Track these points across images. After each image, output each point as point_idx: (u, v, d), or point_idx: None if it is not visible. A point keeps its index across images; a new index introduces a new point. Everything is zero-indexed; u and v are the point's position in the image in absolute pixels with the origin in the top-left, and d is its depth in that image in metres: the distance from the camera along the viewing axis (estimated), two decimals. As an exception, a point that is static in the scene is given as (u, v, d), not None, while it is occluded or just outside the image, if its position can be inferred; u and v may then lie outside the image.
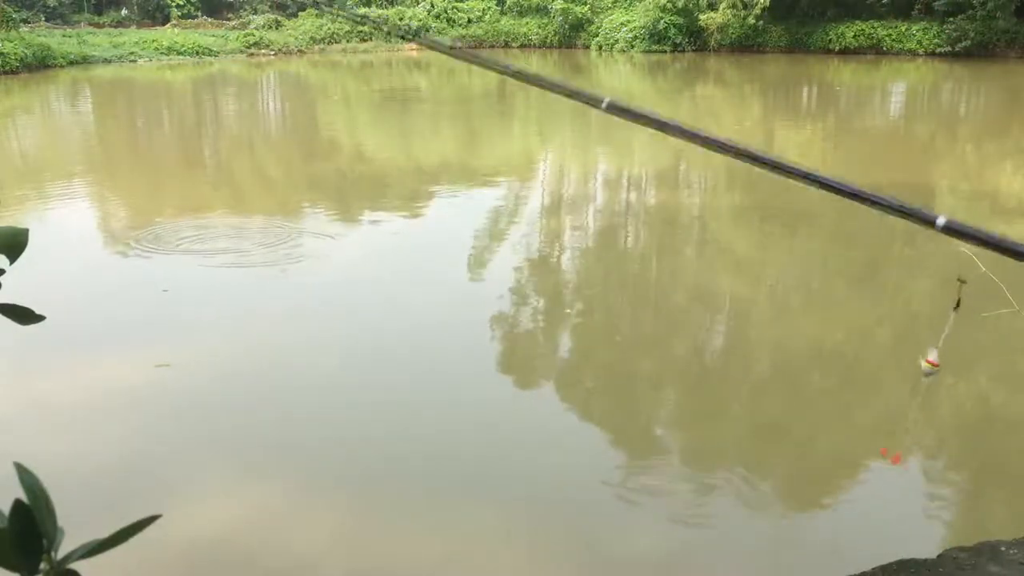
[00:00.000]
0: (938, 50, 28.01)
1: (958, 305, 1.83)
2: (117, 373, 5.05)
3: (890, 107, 19.09)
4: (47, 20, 43.94)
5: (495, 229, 8.66)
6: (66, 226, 8.93)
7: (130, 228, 8.81)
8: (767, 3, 29.77)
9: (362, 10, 39.43)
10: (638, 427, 4.52)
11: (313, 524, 3.59)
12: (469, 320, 5.99)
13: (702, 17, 31.81)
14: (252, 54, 36.36)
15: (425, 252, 7.80)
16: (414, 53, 37.70)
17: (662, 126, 1.68)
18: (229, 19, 45.66)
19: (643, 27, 33.30)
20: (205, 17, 45.74)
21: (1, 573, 0.69)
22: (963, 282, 1.84)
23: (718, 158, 13.08)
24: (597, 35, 35.54)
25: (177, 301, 6.32)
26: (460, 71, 30.78)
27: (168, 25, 42.46)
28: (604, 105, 1.72)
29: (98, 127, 18.01)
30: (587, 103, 1.78)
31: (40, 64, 28.68)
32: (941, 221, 1.41)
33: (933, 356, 2.02)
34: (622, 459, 4.19)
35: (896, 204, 1.44)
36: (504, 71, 2.06)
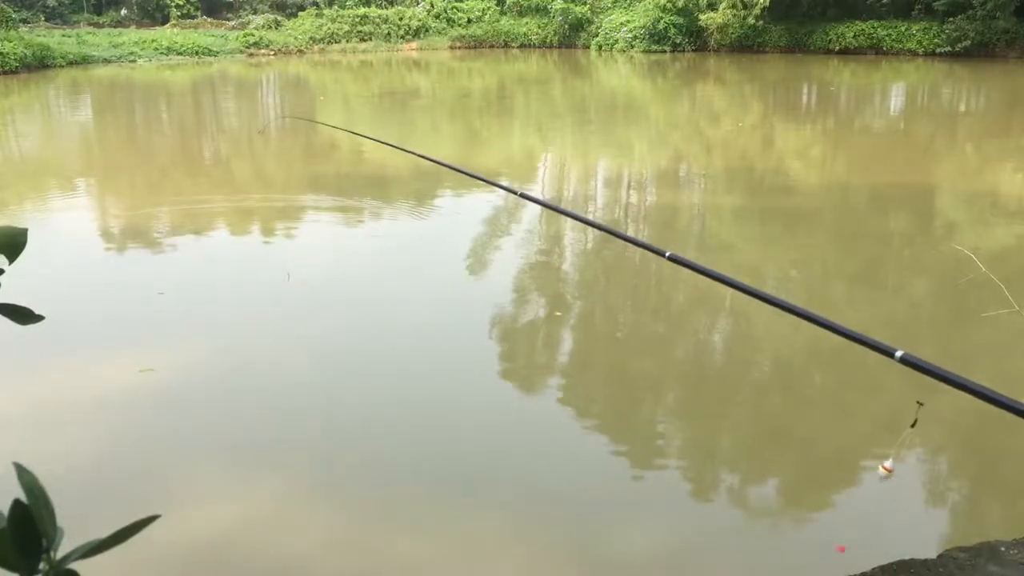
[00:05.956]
0: (938, 50, 28.02)
1: (914, 424, 1.95)
2: (112, 375, 5.04)
3: (890, 107, 19.09)
4: (46, 20, 44.01)
5: (495, 229, 8.66)
6: (64, 226, 8.93)
7: (128, 228, 8.81)
8: (767, 3, 29.77)
9: (362, 11, 39.48)
10: (637, 427, 4.52)
11: (310, 524, 3.59)
12: (468, 321, 5.99)
13: (702, 17, 31.82)
14: (251, 54, 36.37)
15: (424, 252, 7.80)
16: (414, 53, 37.70)
17: (720, 280, 1.92)
18: (228, 19, 45.69)
19: (643, 27, 33.32)
20: (204, 17, 45.79)
21: (1, 573, 0.69)
22: (921, 404, 1.94)
23: (718, 160, 13.15)
24: (597, 35, 35.56)
25: (174, 302, 6.32)
26: (460, 71, 30.78)
27: (167, 25, 42.50)
28: (667, 255, 2.04)
29: (97, 127, 18.00)
30: (652, 251, 2.11)
31: (39, 64, 28.71)
32: (899, 354, 1.55)
33: (889, 463, 2.18)
34: (622, 459, 4.19)
35: (859, 336, 1.62)
36: (584, 221, 2.75)
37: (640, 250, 7.92)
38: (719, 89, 23.11)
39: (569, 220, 9.20)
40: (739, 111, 18.31)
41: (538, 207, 9.84)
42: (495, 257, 7.68)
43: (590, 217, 9.34)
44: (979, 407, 4.32)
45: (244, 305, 6.31)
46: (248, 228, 8.87)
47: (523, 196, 3.22)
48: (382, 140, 4.40)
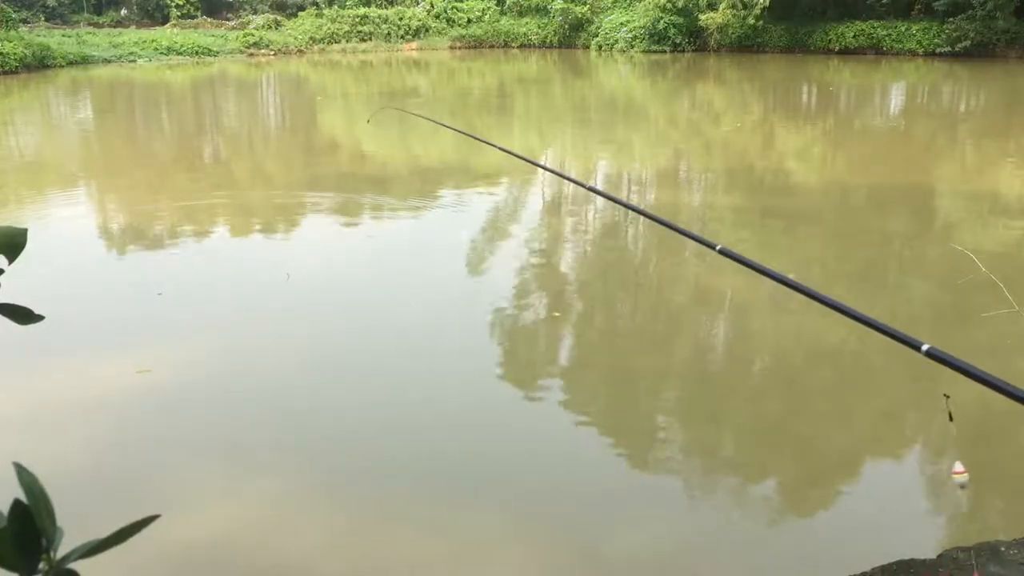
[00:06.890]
0: (938, 50, 28.00)
1: (951, 418, 1.98)
2: (112, 375, 5.04)
3: (890, 107, 19.08)
4: (46, 20, 44.02)
5: (495, 229, 8.66)
6: (64, 226, 8.93)
7: (127, 228, 8.81)
8: (767, 3, 29.75)
9: (362, 11, 39.47)
10: (637, 427, 4.51)
11: (309, 524, 3.59)
12: (468, 321, 5.99)
13: (702, 17, 31.80)
14: (252, 54, 36.35)
15: (424, 252, 7.80)
16: (414, 53, 37.70)
17: (768, 275, 1.89)
18: (228, 19, 45.71)
19: (643, 27, 33.30)
20: (204, 17, 45.80)
21: (1, 573, 0.69)
22: (948, 397, 1.96)
23: (718, 160, 13.13)
24: (597, 35, 35.54)
25: (173, 302, 6.32)
26: (460, 71, 30.77)
27: (167, 25, 42.50)
28: (717, 248, 2.02)
29: (97, 127, 18.00)
30: (702, 243, 2.10)
31: (39, 64, 28.70)
32: (925, 347, 1.50)
33: (959, 467, 2.15)
34: (622, 459, 4.19)
35: (888, 329, 1.58)
36: (630, 207, 2.72)
37: (639, 249, 7.93)
38: (719, 89, 23.11)
39: (569, 220, 9.21)
40: (739, 111, 18.30)
41: (537, 207, 9.84)
42: (496, 257, 7.68)
43: (592, 206, 9.35)
44: (978, 406, 4.31)
45: (244, 305, 6.31)
46: (248, 227, 8.87)
47: (591, 190, 3.30)
48: (475, 136, 4.45)
